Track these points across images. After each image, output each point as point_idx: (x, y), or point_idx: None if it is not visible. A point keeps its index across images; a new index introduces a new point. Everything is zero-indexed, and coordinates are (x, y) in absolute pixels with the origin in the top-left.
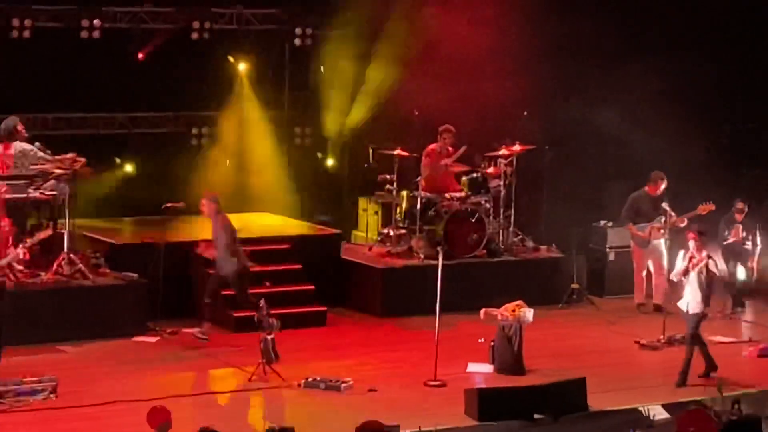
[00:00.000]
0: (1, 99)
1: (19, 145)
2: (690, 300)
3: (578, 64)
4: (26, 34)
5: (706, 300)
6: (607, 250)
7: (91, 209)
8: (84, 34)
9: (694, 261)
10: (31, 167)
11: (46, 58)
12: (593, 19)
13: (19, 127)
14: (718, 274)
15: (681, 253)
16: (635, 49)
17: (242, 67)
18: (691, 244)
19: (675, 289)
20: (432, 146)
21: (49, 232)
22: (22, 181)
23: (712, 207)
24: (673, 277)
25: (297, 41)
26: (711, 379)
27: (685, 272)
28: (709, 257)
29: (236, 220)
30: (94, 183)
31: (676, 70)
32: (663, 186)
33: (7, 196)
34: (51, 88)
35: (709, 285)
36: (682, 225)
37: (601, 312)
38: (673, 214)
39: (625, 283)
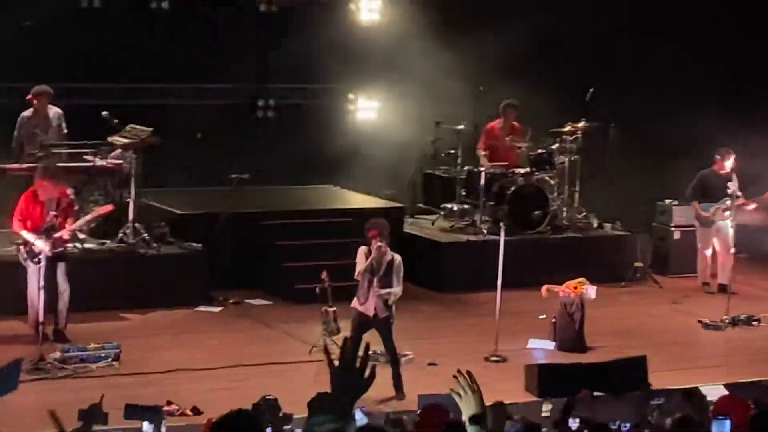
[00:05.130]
0: (72, 69)
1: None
2: (372, 304)
3: (646, 40)
4: (96, 3)
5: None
6: (672, 228)
7: (156, 179)
8: (153, 5)
9: (375, 261)
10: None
11: (115, 29)
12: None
13: (28, 97)
14: (387, 287)
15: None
16: (703, 29)
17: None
18: (373, 242)
19: (738, 269)
20: (493, 123)
21: (109, 208)
22: (85, 150)
23: None
24: (357, 277)
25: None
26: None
27: (370, 271)
28: (383, 252)
29: (300, 192)
30: (160, 153)
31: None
32: (729, 163)
33: (69, 164)
34: (119, 58)
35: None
36: (749, 209)
37: (665, 291)
38: (740, 194)
39: (690, 263)
